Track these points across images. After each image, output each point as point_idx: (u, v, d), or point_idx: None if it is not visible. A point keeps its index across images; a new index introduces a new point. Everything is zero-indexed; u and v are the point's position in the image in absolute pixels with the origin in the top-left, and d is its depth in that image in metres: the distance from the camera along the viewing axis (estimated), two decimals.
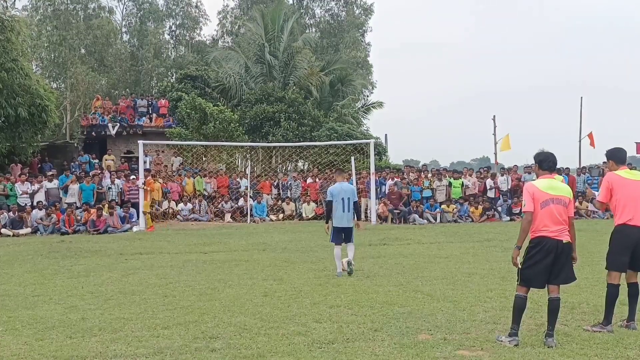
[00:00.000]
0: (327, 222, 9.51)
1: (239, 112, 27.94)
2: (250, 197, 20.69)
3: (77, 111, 32.58)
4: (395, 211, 19.59)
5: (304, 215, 20.76)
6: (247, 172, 22.04)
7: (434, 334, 5.72)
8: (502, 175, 21.71)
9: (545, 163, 5.68)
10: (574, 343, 5.40)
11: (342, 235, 9.21)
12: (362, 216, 17.92)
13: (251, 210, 20.34)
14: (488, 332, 5.76)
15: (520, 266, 5.48)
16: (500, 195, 20.93)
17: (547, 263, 5.38)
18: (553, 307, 5.43)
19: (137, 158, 20.23)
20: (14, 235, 16.45)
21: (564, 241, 5.41)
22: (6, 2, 22.63)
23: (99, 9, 40.22)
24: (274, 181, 22.60)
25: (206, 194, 21.33)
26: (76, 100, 33.07)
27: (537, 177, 5.74)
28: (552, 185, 5.52)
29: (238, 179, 22.28)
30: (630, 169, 6.61)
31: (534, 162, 5.85)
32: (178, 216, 20.03)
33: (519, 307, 5.48)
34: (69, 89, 33.59)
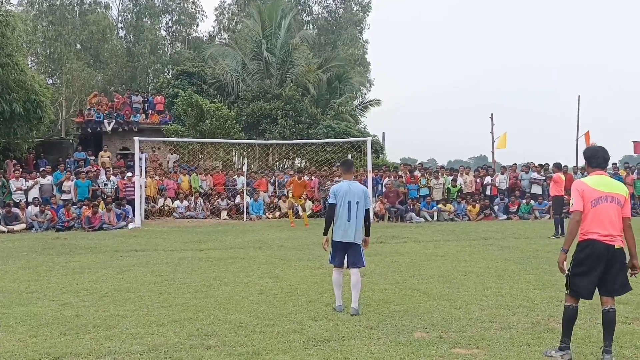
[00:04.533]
0: (325, 234, 6.84)
1: (235, 109, 27.88)
2: (247, 194, 20.67)
3: (72, 107, 32.44)
4: (392, 209, 19.58)
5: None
6: (243, 170, 22.00)
7: (429, 332, 5.71)
8: (503, 173, 21.71)
9: (595, 159, 5.06)
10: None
11: (344, 255, 6.72)
12: None
13: (247, 207, 20.32)
14: (484, 331, 5.75)
15: (567, 272, 5.01)
16: (498, 194, 20.95)
17: (598, 271, 4.85)
18: (608, 321, 4.87)
19: (133, 155, 20.16)
20: (8, 232, 16.38)
21: (616, 246, 4.84)
22: None
23: (94, 4, 40.05)
24: (271, 178, 22.56)
25: (202, 191, 21.29)
26: (72, 96, 32.91)
27: (588, 175, 5.15)
28: (605, 182, 4.96)
29: (234, 177, 22.24)
30: None
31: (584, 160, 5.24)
32: (174, 213, 20.00)
33: (569, 318, 4.99)
34: (65, 84, 33.42)
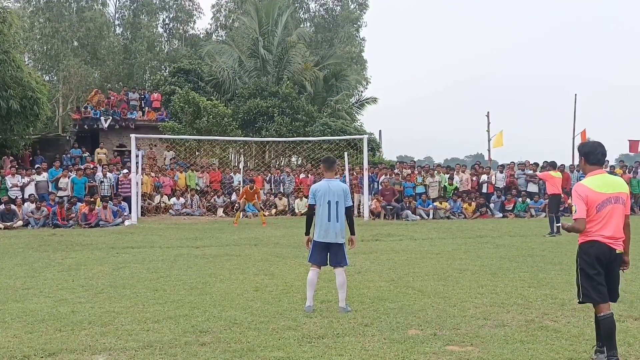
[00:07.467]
0: (307, 234, 6.71)
1: (232, 107, 27.88)
2: None
3: (69, 104, 32.39)
4: (388, 207, 19.62)
5: (296, 210, 20.76)
6: (240, 167, 21.99)
7: (424, 330, 5.73)
8: (501, 172, 21.74)
9: (593, 155, 4.80)
10: (563, 339, 5.42)
11: (326, 255, 6.57)
12: (355, 212, 17.87)
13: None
14: (478, 328, 5.78)
15: (577, 279, 4.82)
16: (494, 191, 20.99)
17: (601, 271, 4.70)
18: (607, 326, 4.68)
19: (130, 152, 20.14)
20: (5, 228, 16.35)
21: (617, 251, 4.69)
22: None
23: (92, 1, 39.97)
24: (267, 176, 22.57)
25: (198, 188, 21.30)
26: (69, 93, 32.87)
27: (585, 174, 4.90)
28: (607, 182, 4.72)
29: (231, 174, 22.23)
30: None
31: (579, 156, 4.98)
32: (170, 210, 19.99)
33: (608, 327, 4.64)
34: (62, 81, 33.38)
